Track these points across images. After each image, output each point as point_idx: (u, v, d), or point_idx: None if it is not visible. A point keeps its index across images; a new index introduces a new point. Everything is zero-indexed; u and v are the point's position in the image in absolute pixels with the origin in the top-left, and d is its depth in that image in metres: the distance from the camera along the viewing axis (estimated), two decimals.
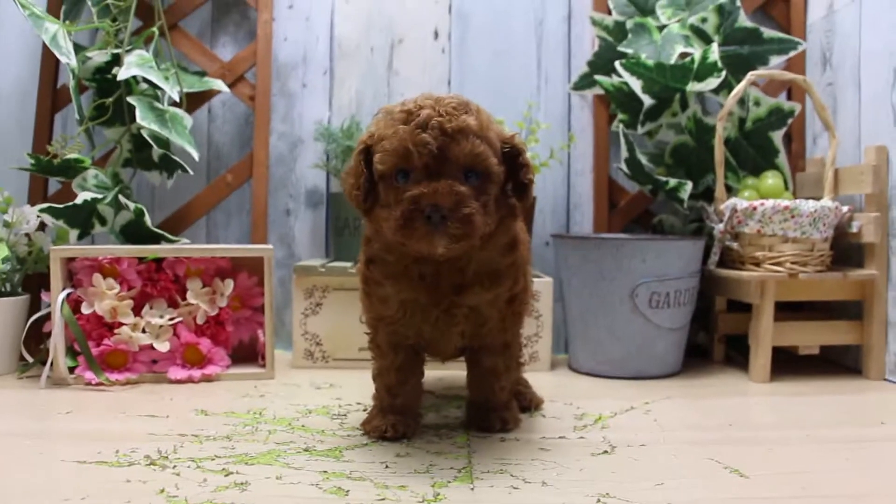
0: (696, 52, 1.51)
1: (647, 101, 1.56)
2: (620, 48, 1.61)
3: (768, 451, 0.97)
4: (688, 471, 0.90)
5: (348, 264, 1.47)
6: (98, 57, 1.48)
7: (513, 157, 0.93)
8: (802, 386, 1.35)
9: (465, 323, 0.98)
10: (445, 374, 1.38)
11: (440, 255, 0.88)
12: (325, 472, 0.87)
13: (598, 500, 0.80)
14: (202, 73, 1.65)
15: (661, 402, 1.23)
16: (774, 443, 1.01)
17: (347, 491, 0.81)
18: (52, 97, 1.60)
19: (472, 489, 0.83)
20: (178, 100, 1.50)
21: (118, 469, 0.87)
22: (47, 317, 1.37)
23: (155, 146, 1.49)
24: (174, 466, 0.88)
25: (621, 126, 1.57)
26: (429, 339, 1.01)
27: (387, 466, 0.90)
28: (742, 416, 1.18)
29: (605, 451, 0.97)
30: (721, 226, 1.44)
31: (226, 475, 0.85)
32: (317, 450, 0.96)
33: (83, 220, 1.43)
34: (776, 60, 1.57)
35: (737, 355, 1.56)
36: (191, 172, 1.54)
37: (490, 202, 0.89)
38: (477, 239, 0.88)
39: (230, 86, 1.64)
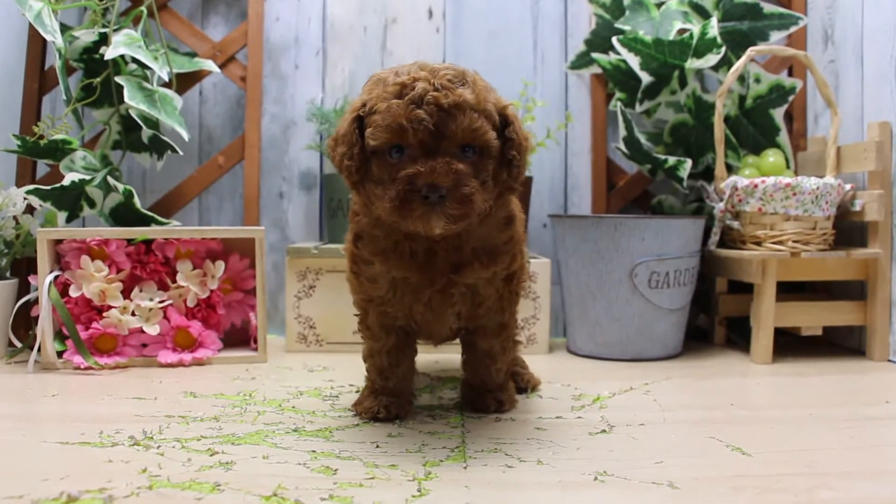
0: (695, 28, 1.48)
1: (646, 78, 1.53)
2: (618, 25, 1.57)
3: (771, 430, 0.95)
4: (689, 449, 0.87)
5: (342, 246, 1.44)
6: (85, 36, 1.45)
7: (502, 128, 0.87)
8: (805, 367, 1.33)
9: (461, 303, 0.94)
10: (440, 356, 1.36)
11: (437, 236, 0.85)
12: (314, 451, 0.85)
13: (596, 479, 0.77)
14: (192, 54, 1.62)
15: (660, 383, 1.21)
16: (777, 422, 0.98)
17: (336, 470, 0.79)
18: (39, 79, 1.56)
19: (465, 468, 0.80)
20: (167, 80, 1.47)
21: (101, 449, 0.84)
22: (35, 301, 1.34)
23: (144, 127, 1.46)
24: (158, 447, 0.85)
25: (619, 105, 1.53)
26: (421, 321, 0.97)
27: (377, 446, 0.87)
28: (744, 396, 1.15)
29: (604, 431, 0.94)
30: (721, 205, 1.42)
31: (211, 455, 0.83)
32: (306, 430, 0.93)
33: (71, 202, 1.41)
34: (777, 36, 1.54)
35: (738, 338, 1.53)
36: (180, 153, 1.51)
37: (489, 178, 0.85)
38: (475, 218, 0.84)
39: (221, 67, 1.61)
